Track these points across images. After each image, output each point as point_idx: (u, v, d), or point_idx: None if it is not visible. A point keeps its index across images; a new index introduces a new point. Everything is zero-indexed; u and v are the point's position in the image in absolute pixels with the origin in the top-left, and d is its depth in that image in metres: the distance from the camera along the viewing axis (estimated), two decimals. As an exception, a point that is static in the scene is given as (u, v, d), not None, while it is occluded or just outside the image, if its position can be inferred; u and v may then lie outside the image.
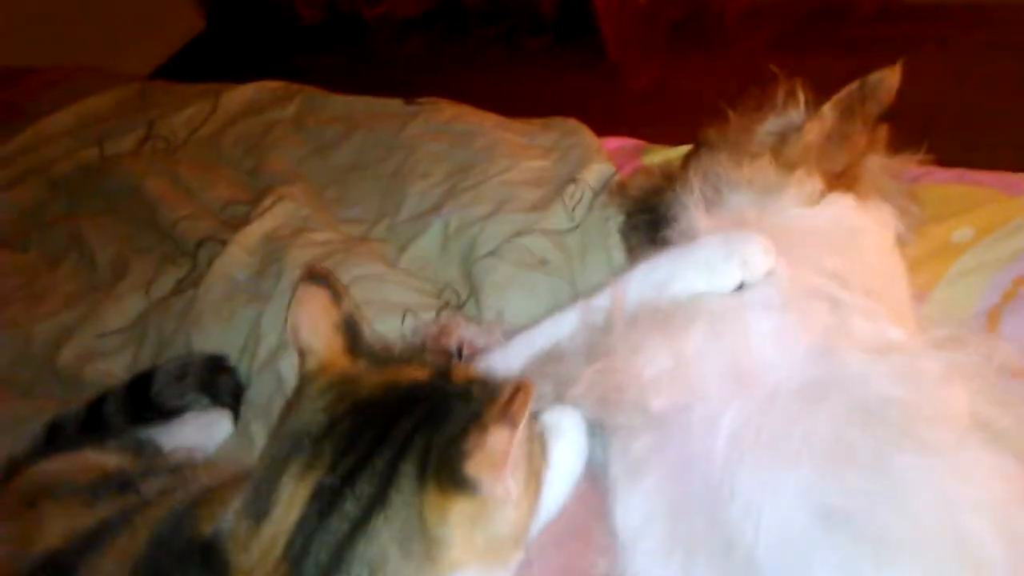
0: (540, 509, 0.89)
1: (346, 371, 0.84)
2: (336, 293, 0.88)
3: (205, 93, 2.01)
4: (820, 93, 1.14)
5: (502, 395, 0.74)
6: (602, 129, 1.66)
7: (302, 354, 0.86)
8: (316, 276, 0.90)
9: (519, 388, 0.74)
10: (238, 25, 3.93)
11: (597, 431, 0.96)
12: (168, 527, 0.89)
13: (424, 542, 0.75)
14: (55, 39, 3.08)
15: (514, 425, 0.73)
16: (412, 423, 0.78)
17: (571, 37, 3.34)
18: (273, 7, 3.81)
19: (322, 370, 0.84)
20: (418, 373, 0.84)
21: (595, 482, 0.95)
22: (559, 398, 0.96)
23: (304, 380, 0.85)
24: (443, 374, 0.85)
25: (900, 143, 1.19)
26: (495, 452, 0.73)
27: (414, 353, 0.94)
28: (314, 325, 0.86)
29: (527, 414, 0.75)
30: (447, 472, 0.74)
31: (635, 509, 0.89)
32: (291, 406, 0.84)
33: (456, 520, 0.75)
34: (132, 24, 3.47)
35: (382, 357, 0.88)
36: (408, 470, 0.76)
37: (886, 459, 0.80)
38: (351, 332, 0.88)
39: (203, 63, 3.74)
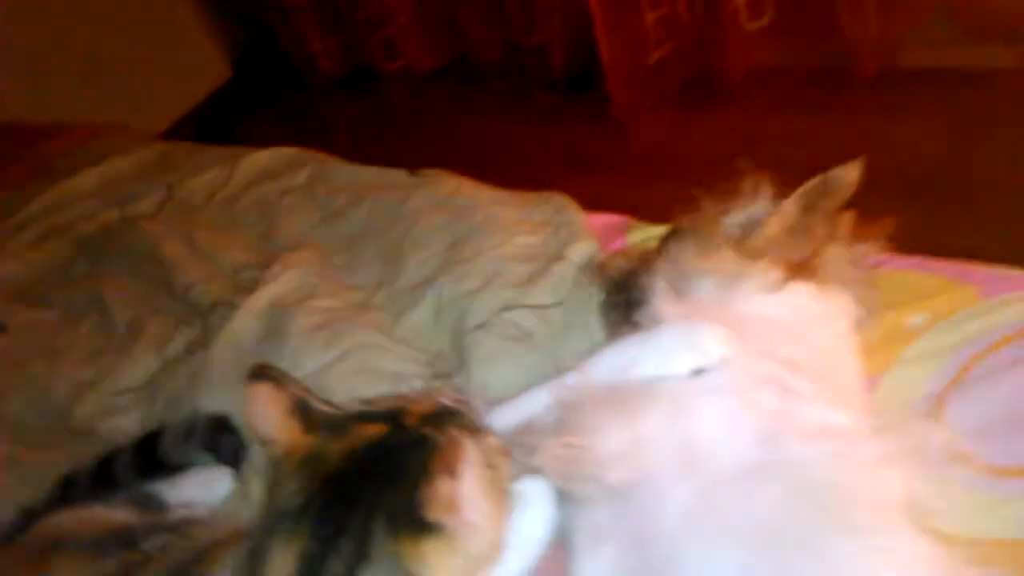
0: (511, 568, 0.98)
1: (310, 450, 0.94)
2: (279, 382, 0.98)
3: (224, 158, 2.12)
4: (817, 155, 1.20)
5: (441, 449, 0.87)
6: (603, 186, 1.72)
7: (265, 445, 0.96)
8: (258, 372, 0.99)
9: (453, 442, 0.87)
10: (263, 74, 4.07)
11: (564, 500, 1.04)
12: (167, 583, 0.98)
13: None
14: (85, 88, 3.20)
15: (456, 475, 0.84)
16: (374, 485, 0.88)
17: (580, 93, 3.43)
18: (296, 58, 3.94)
19: (288, 455, 0.94)
20: (374, 430, 0.94)
21: (560, 549, 1.02)
22: (528, 467, 1.04)
23: (275, 466, 0.94)
24: (397, 422, 0.95)
25: (891, 206, 1.24)
26: (446, 498, 0.84)
27: (368, 405, 1.03)
28: (267, 417, 0.96)
29: (472, 455, 0.87)
30: (414, 522, 0.85)
31: (593, 574, 0.97)
32: (270, 491, 0.94)
33: (431, 558, 0.85)
34: (162, 72, 3.58)
35: (338, 421, 0.97)
36: (380, 526, 0.86)
37: (819, 541, 0.87)
38: (304, 412, 0.97)
39: (228, 110, 3.87)
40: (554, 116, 3.44)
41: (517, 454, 1.06)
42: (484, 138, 3.34)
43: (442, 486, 0.84)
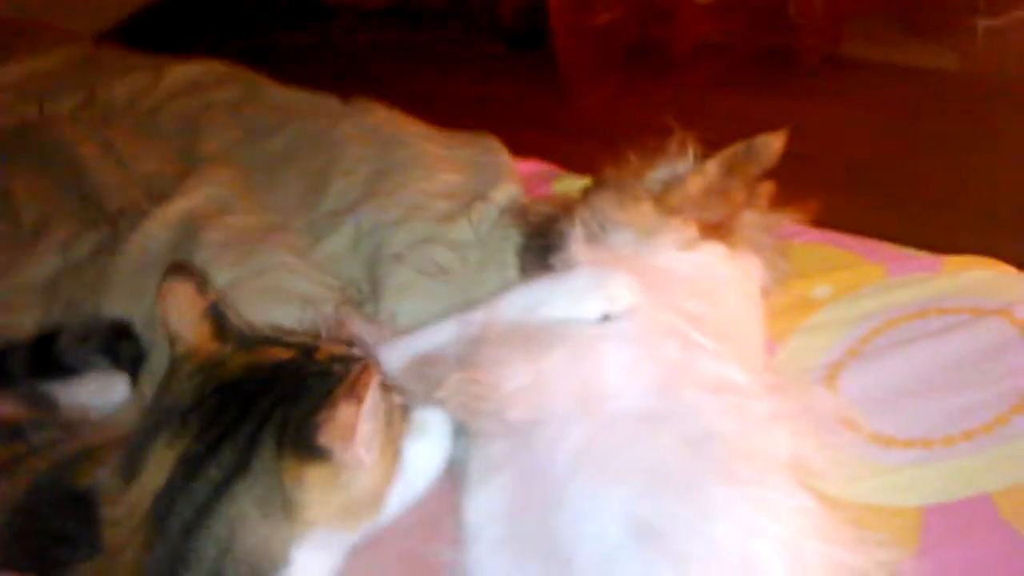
0: (401, 497, 0.98)
1: (213, 355, 0.92)
2: (200, 284, 0.96)
3: (150, 66, 2.06)
4: (750, 133, 1.22)
5: (351, 374, 0.84)
6: (539, 141, 1.73)
7: (172, 341, 0.94)
8: (180, 270, 0.98)
9: (365, 368, 0.85)
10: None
11: (461, 433, 1.04)
12: (49, 477, 0.96)
13: (282, 504, 0.84)
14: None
15: (360, 401, 0.83)
16: (272, 400, 0.87)
17: (526, 46, 3.41)
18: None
19: (191, 355, 0.92)
20: (283, 353, 0.93)
21: (454, 480, 1.03)
22: (429, 399, 1.04)
23: (174, 363, 0.93)
24: (308, 353, 0.93)
25: (815, 189, 1.28)
26: (344, 424, 0.83)
27: (281, 333, 1.01)
28: (181, 315, 0.94)
29: (375, 390, 0.86)
30: (302, 442, 0.84)
31: (482, 505, 0.97)
32: (163, 386, 0.92)
33: (311, 484, 0.84)
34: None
35: (250, 339, 0.96)
36: (267, 441, 0.85)
37: (701, 487, 0.89)
38: (218, 319, 0.96)
39: (163, 27, 3.74)
40: (497, 68, 3.43)
41: (418, 385, 1.06)
42: (425, 81, 3.30)
43: (344, 410, 0.82)
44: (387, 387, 0.96)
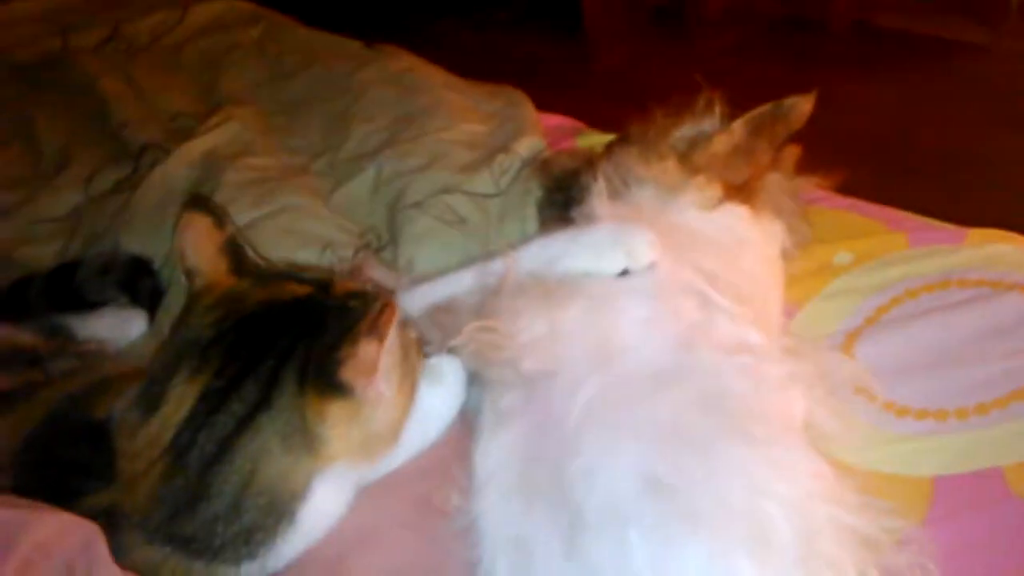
0: (413, 442, 0.99)
1: (232, 289, 0.92)
2: (219, 218, 0.96)
3: (175, 2, 2.05)
4: (774, 100, 1.21)
5: (372, 310, 0.84)
6: (561, 99, 1.72)
7: (189, 275, 0.93)
8: (199, 203, 0.98)
9: (386, 305, 0.84)
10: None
11: (475, 381, 1.05)
12: (65, 406, 0.97)
13: (304, 438, 0.85)
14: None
15: (382, 337, 0.83)
16: (293, 335, 0.87)
17: (553, 4, 3.38)
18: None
19: (209, 289, 0.92)
20: (300, 289, 0.93)
21: (467, 427, 1.03)
22: (445, 347, 1.04)
23: (192, 298, 0.92)
24: (324, 288, 0.93)
25: (838, 158, 1.27)
26: (366, 360, 0.83)
27: (296, 269, 1.01)
28: (199, 248, 0.94)
29: (394, 326, 0.85)
30: (324, 378, 0.84)
31: (493, 454, 0.97)
32: (181, 320, 0.92)
33: (333, 419, 0.85)
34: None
35: (266, 275, 0.96)
36: (289, 376, 0.85)
37: (712, 444, 0.89)
38: (235, 254, 0.95)
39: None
40: (524, 25, 3.40)
41: (434, 333, 1.06)
42: (450, 35, 3.28)
43: (366, 347, 0.83)
44: (403, 323, 0.96)
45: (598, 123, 1.66)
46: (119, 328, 1.30)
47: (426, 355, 1.03)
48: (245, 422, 0.84)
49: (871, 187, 1.42)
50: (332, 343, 0.84)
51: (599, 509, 0.87)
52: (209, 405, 0.85)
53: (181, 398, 0.86)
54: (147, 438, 0.86)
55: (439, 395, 1.03)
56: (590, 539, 0.86)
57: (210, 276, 0.93)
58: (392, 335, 0.86)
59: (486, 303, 1.05)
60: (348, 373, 0.83)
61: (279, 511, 0.85)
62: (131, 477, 0.86)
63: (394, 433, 0.93)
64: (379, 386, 0.86)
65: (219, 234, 0.95)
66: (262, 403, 0.84)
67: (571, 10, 3.19)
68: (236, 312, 0.90)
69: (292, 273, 0.98)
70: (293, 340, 0.87)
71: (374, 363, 0.84)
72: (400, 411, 0.93)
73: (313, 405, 0.84)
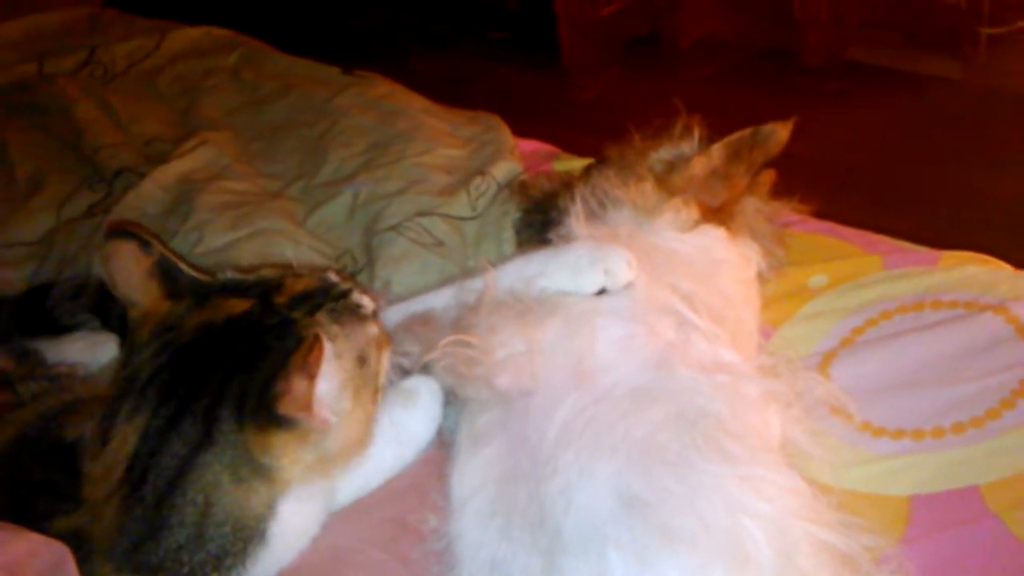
0: (389, 464, 0.98)
1: (167, 317, 0.90)
2: (143, 241, 0.92)
3: (152, 29, 2.05)
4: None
5: (302, 347, 0.82)
6: (538, 129, 1.72)
7: (126, 305, 0.92)
8: (121, 229, 0.94)
9: (315, 341, 0.82)
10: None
11: (452, 402, 1.04)
12: (35, 428, 0.95)
13: (254, 470, 0.83)
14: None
15: (311, 376, 0.81)
16: (227, 367, 0.85)
17: (530, 35, 3.40)
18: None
19: (144, 319, 0.90)
20: (239, 305, 0.90)
21: (443, 448, 1.03)
22: (421, 359, 1.03)
23: (131, 332, 0.91)
24: (265, 299, 0.90)
25: (813, 190, 1.29)
26: (299, 396, 0.81)
27: (243, 275, 0.97)
28: (128, 277, 0.91)
29: (327, 361, 0.83)
30: (262, 413, 0.82)
31: (470, 475, 0.97)
32: (125, 355, 0.91)
33: (279, 450, 0.84)
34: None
35: (205, 290, 0.92)
36: (227, 414, 0.83)
37: (690, 462, 0.89)
38: (166, 275, 0.92)
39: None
40: (500, 55, 3.41)
41: (412, 346, 1.06)
42: (427, 65, 3.28)
43: (296, 384, 0.81)
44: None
45: (575, 152, 1.66)
46: (90, 352, 1.28)
47: (403, 367, 1.02)
48: (189, 460, 0.83)
49: (845, 215, 1.43)
50: (267, 377, 0.82)
51: (577, 529, 0.87)
52: (151, 445, 0.84)
53: (125, 436, 0.85)
54: (103, 468, 0.85)
55: (415, 417, 1.02)
56: (569, 560, 0.86)
57: (145, 303, 0.91)
58: (337, 360, 0.85)
59: (463, 318, 1.05)
60: (286, 408, 0.82)
61: (246, 536, 0.84)
62: (95, 502, 0.84)
63: (360, 443, 0.92)
64: (322, 414, 0.85)
65: (146, 258, 0.92)
66: (203, 441, 0.83)
67: (548, 41, 3.21)
68: (170, 344, 0.88)
69: (234, 282, 0.94)
70: (228, 374, 0.85)
71: (308, 397, 0.82)
72: (361, 423, 0.91)
73: (256, 439, 0.83)
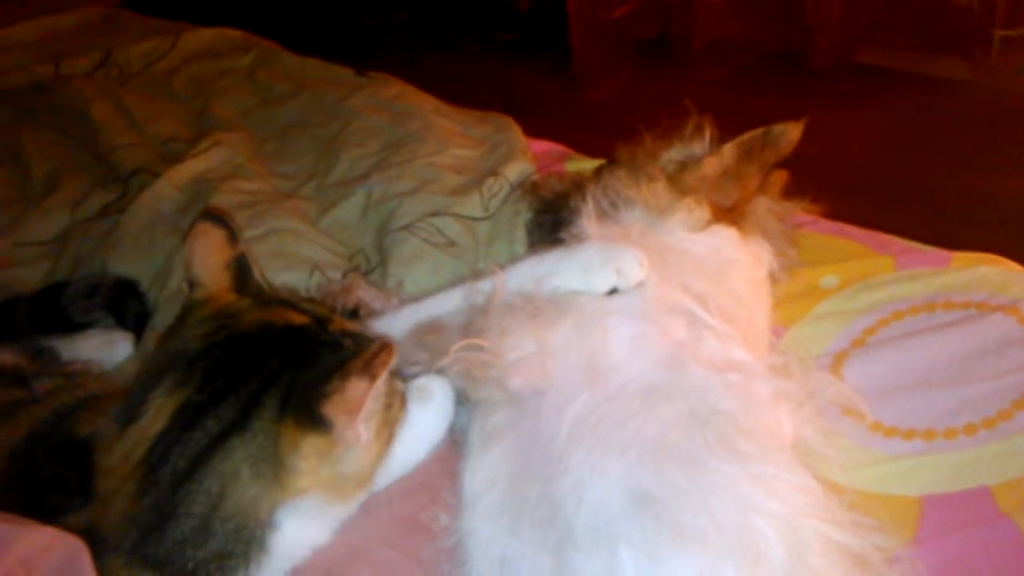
0: (400, 462, 0.98)
1: (229, 305, 0.91)
2: (232, 234, 0.95)
3: (167, 30, 2.07)
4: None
5: (368, 350, 0.83)
6: (549, 130, 1.73)
7: (191, 284, 0.93)
8: (216, 215, 0.96)
9: (384, 347, 0.83)
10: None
11: (463, 401, 1.04)
12: (49, 424, 0.96)
13: (274, 466, 0.83)
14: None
15: (373, 378, 0.82)
16: (281, 360, 0.86)
17: (541, 36, 3.40)
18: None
19: (206, 301, 0.91)
20: (298, 318, 0.92)
21: (454, 446, 1.03)
22: (432, 368, 1.04)
23: (188, 307, 0.92)
24: (321, 323, 0.92)
25: (824, 192, 1.29)
26: (352, 398, 0.82)
27: (300, 299, 0.99)
28: (206, 259, 0.93)
29: (387, 371, 0.84)
30: (305, 409, 0.83)
31: (481, 473, 0.97)
32: (172, 330, 0.91)
33: (306, 452, 0.84)
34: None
35: (266, 298, 0.95)
36: (270, 402, 0.84)
37: (702, 460, 0.89)
38: (240, 272, 0.95)
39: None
40: (513, 56, 3.42)
41: (421, 354, 1.06)
42: (438, 67, 3.29)
43: (356, 384, 0.82)
44: (393, 372, 0.95)
45: (586, 153, 1.67)
46: (105, 350, 1.30)
47: (412, 376, 1.03)
48: (218, 441, 0.83)
49: (856, 216, 1.43)
50: (320, 375, 0.83)
51: (588, 526, 0.87)
52: (185, 420, 0.84)
53: (159, 410, 0.85)
54: (122, 452, 0.85)
55: (427, 415, 1.02)
56: (580, 557, 0.86)
57: (211, 289, 0.93)
58: (382, 379, 0.85)
59: (474, 322, 1.05)
60: (331, 408, 0.82)
61: (247, 538, 0.84)
62: (106, 495, 0.85)
63: (364, 478, 0.92)
64: (358, 427, 0.85)
65: (230, 250, 0.95)
66: (237, 424, 0.84)
67: (559, 42, 3.21)
68: (228, 328, 0.89)
69: (293, 302, 0.97)
70: (281, 366, 0.86)
71: (360, 402, 0.83)
72: (373, 458, 0.92)
73: (289, 434, 0.84)
